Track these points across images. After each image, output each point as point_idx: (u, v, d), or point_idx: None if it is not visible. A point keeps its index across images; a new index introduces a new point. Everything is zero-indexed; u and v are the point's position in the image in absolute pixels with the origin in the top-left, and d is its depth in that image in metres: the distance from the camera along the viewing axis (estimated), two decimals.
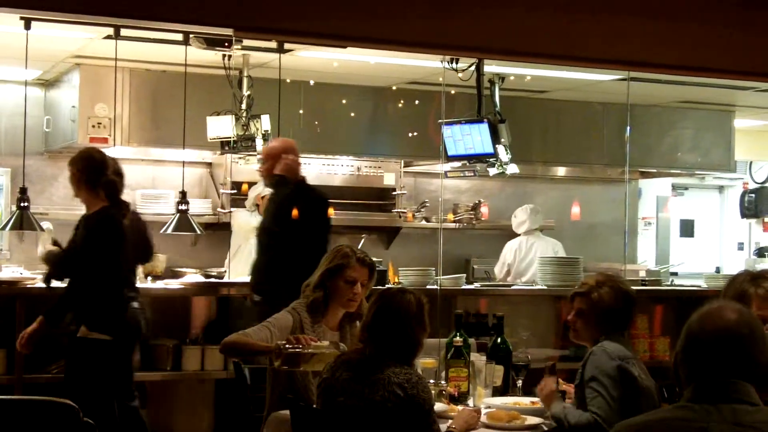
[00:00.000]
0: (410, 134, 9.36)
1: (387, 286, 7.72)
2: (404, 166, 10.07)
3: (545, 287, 8.40)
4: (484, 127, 7.98)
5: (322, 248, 6.14)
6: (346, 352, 4.42)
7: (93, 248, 6.03)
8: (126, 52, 7.63)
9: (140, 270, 7.13)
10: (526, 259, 9.52)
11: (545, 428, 4.50)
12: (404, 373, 4.18)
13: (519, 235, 9.70)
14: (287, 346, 4.63)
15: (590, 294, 4.58)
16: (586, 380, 4.42)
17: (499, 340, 5.30)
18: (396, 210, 10.04)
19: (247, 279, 7.55)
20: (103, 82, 8.24)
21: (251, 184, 8.82)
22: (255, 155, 7.99)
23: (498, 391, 5.16)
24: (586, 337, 4.63)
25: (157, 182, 9.46)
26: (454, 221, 10.33)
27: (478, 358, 5.18)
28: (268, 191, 8.43)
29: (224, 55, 7.70)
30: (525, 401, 4.85)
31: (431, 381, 4.94)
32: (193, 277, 7.97)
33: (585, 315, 4.59)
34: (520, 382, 5.20)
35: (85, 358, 6.07)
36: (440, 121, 8.01)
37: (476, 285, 8.76)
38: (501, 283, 9.25)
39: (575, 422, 4.36)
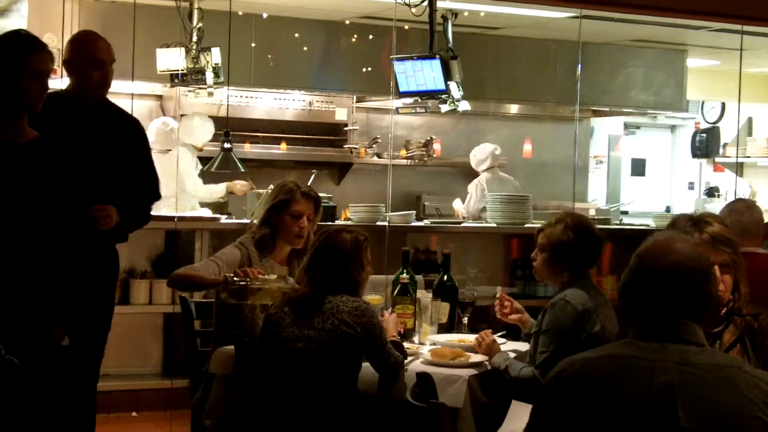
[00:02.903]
0: (364, 69, 9.29)
1: (336, 222, 7.72)
2: (356, 102, 10.02)
3: (495, 225, 8.42)
4: (436, 64, 7.92)
5: None
6: (290, 294, 4.42)
7: None
8: None
9: None
10: None
11: (488, 366, 4.54)
12: (352, 300, 4.26)
13: (479, 173, 9.64)
14: (235, 279, 4.64)
15: (545, 229, 4.64)
16: (542, 330, 4.45)
17: (445, 277, 5.31)
18: (347, 146, 10.00)
19: (195, 213, 7.53)
20: (52, 12, 8.09)
21: None
22: (205, 88, 7.91)
23: (444, 328, 5.18)
24: (547, 275, 4.67)
25: None
26: (406, 158, 10.30)
27: (424, 295, 5.20)
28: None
29: None
30: (470, 338, 4.87)
31: None
32: None
33: (542, 251, 4.63)
34: (465, 319, 5.24)
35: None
36: (392, 56, 7.96)
37: (426, 222, 8.77)
38: (454, 220, 9.22)
39: (516, 376, 4.40)
